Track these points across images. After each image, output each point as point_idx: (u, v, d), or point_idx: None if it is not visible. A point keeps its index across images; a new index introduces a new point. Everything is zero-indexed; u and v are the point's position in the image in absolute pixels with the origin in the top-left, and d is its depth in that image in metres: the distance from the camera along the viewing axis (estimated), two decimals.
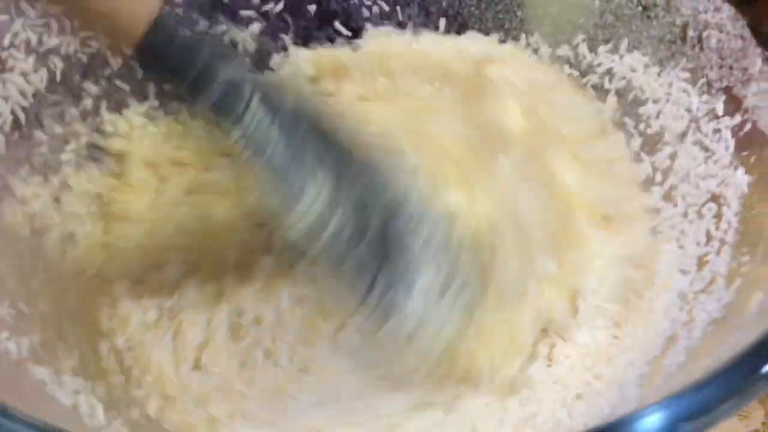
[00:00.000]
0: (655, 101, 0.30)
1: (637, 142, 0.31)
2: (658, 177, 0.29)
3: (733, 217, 0.25)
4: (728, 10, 0.27)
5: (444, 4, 0.35)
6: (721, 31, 0.27)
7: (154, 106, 0.33)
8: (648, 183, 0.30)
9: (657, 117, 0.30)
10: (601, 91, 0.32)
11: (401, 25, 0.35)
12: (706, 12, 0.28)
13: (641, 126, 0.30)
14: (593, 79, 0.32)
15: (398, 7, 0.35)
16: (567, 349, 0.27)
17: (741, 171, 0.25)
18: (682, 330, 0.24)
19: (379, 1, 0.34)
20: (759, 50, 0.26)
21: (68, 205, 0.31)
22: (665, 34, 0.30)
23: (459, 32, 0.34)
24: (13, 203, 0.28)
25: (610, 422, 0.17)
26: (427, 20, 0.35)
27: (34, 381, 0.23)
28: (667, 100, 0.30)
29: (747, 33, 0.26)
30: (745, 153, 0.26)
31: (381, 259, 0.25)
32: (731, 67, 0.27)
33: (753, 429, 0.29)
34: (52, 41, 0.30)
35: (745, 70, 0.26)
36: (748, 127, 0.26)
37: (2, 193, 0.28)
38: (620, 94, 0.31)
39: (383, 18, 0.35)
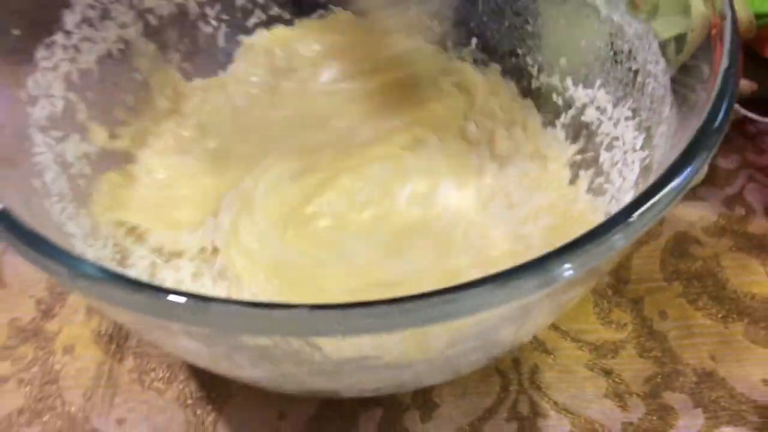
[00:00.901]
0: (607, 134, 0.35)
1: (590, 172, 0.36)
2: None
3: None
4: (663, 63, 0.32)
5: (472, 25, 0.42)
6: (655, 80, 0.32)
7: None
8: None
9: (605, 149, 0.35)
10: (578, 122, 0.38)
11: None
12: (650, 63, 0.33)
13: (595, 155, 0.36)
14: (572, 111, 0.38)
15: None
16: None
17: (630, 194, 0.31)
18: None
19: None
20: (670, 99, 0.31)
21: None
22: (623, 77, 0.35)
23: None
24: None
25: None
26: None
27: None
28: (615, 135, 0.35)
29: (668, 84, 0.31)
30: (639, 180, 0.31)
31: None
32: (654, 111, 0.32)
33: (630, 421, 0.34)
34: (150, 2, 0.40)
35: (660, 114, 0.31)
36: (648, 160, 0.31)
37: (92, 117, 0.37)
38: (586, 125, 0.37)
39: None
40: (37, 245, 0.22)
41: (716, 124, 0.24)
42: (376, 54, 0.42)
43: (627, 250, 0.27)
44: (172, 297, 0.21)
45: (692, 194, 0.40)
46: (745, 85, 0.40)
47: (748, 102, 0.42)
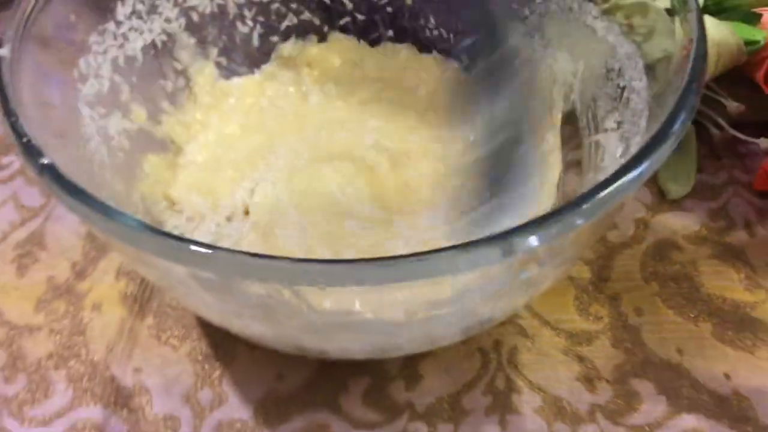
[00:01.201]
0: (595, 143, 0.39)
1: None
2: None
3: None
4: (645, 80, 0.35)
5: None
6: (638, 96, 0.36)
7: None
8: None
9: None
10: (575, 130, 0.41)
11: None
12: (635, 80, 0.36)
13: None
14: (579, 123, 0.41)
15: None
16: None
17: None
18: None
19: None
20: (646, 113, 0.34)
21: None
22: (612, 92, 0.38)
23: None
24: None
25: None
26: None
27: None
28: (602, 145, 0.38)
29: (648, 99, 0.35)
30: None
31: None
32: (634, 123, 0.35)
33: (597, 403, 0.37)
34: (194, 1, 0.44)
35: (638, 125, 0.35)
36: None
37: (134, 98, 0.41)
38: (578, 134, 0.40)
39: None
40: (78, 194, 0.26)
41: (671, 129, 0.28)
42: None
43: (586, 235, 0.30)
44: (194, 246, 0.25)
45: (677, 205, 0.43)
46: (733, 106, 0.43)
47: (741, 124, 0.45)
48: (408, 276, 0.24)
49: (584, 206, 0.26)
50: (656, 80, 0.35)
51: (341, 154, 0.42)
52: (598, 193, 0.26)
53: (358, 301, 0.27)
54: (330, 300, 0.27)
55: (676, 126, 0.28)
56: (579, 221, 0.26)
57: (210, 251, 0.24)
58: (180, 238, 0.25)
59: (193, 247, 0.24)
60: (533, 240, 0.25)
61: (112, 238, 0.27)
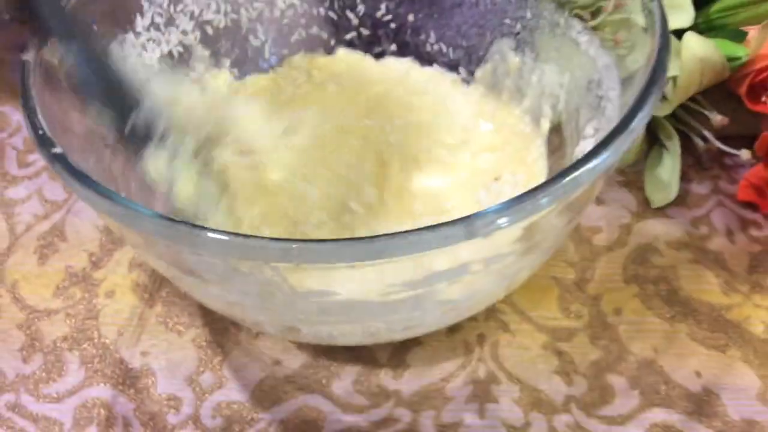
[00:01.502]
0: (575, 148, 0.41)
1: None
2: None
3: None
4: (619, 90, 0.38)
5: (481, 53, 0.48)
6: (612, 104, 0.38)
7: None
8: None
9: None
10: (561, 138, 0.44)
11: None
12: (611, 89, 0.39)
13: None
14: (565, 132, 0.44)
15: None
16: None
17: None
18: None
19: None
20: (617, 119, 0.36)
21: None
22: (592, 101, 0.41)
23: None
24: None
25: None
26: None
27: None
28: (581, 149, 0.41)
29: (618, 106, 0.37)
30: None
31: None
32: (606, 129, 0.37)
33: (572, 395, 0.39)
34: (209, 15, 0.47)
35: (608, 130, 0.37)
36: None
37: None
38: (562, 140, 0.43)
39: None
40: (84, 180, 0.29)
41: (629, 126, 0.30)
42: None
43: (553, 225, 0.33)
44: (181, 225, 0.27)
45: (662, 213, 0.45)
46: (717, 119, 0.45)
47: (728, 137, 0.47)
48: (379, 254, 0.27)
49: (542, 193, 0.28)
50: (632, 90, 0.37)
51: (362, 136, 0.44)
52: (557, 181, 0.28)
53: (336, 281, 0.30)
54: (308, 278, 0.30)
55: (634, 123, 0.30)
56: (538, 206, 0.28)
57: (191, 230, 0.27)
58: (160, 215, 0.27)
59: (169, 223, 0.27)
60: (495, 222, 0.27)
61: (114, 221, 0.30)
